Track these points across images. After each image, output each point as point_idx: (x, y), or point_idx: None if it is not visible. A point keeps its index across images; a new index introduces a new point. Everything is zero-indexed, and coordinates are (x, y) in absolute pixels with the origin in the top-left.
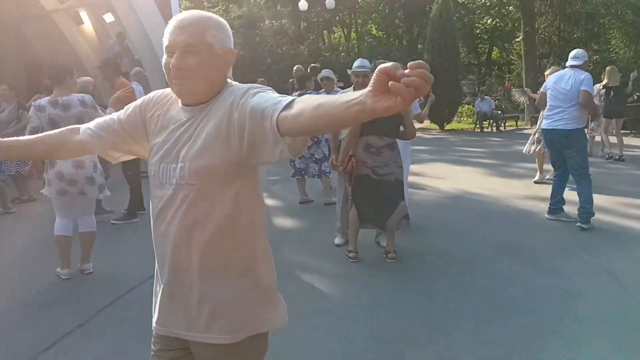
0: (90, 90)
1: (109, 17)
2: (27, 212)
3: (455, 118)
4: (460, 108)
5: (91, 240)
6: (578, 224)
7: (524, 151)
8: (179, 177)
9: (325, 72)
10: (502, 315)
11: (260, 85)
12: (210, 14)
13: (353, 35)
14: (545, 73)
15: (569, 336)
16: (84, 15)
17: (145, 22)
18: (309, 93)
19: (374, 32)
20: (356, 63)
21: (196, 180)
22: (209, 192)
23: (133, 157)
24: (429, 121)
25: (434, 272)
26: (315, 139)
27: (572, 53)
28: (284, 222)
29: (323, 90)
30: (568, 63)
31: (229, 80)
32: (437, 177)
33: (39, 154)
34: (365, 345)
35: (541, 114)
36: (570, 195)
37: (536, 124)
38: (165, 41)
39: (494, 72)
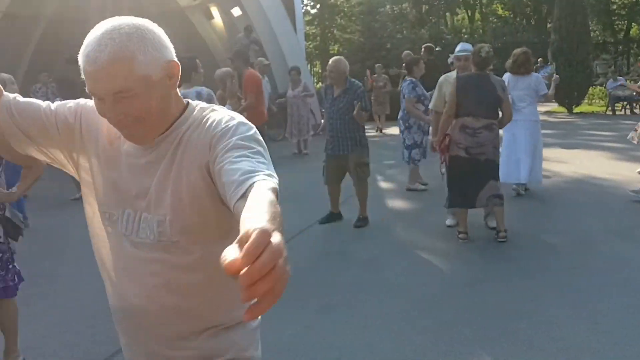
0: (225, 82)
1: (236, 11)
2: None
3: (585, 100)
4: (591, 89)
5: None
6: None
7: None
8: (158, 233)
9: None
10: (609, 294)
11: (242, 132)
12: (125, 26)
13: (477, 16)
14: None
15: None
16: (214, 10)
17: (270, 15)
18: (409, 81)
19: (500, 12)
20: (458, 47)
21: (180, 238)
22: (189, 251)
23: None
24: (556, 104)
25: (545, 252)
26: (407, 124)
27: None
28: (397, 203)
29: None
30: None
31: (187, 100)
32: (559, 161)
33: None
34: (469, 316)
35: None
36: None
37: None
38: (86, 82)
39: (632, 51)
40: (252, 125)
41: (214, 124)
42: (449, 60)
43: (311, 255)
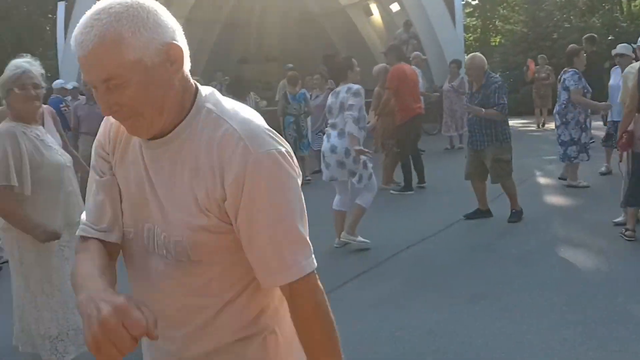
0: (381, 78)
1: (395, 7)
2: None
3: None
4: None
5: (356, 214)
6: None
7: None
8: (177, 253)
9: (621, 49)
10: None
11: (259, 173)
12: (115, 5)
13: None
14: None
15: None
16: (373, 7)
17: (429, 9)
18: (573, 71)
19: None
20: None
21: (198, 256)
22: (212, 263)
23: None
24: None
25: None
26: (564, 120)
27: None
28: (556, 199)
29: (617, 67)
30: None
31: (196, 84)
32: None
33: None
34: (625, 314)
35: None
36: None
37: None
38: (81, 70)
39: None
40: (265, 134)
41: (227, 150)
42: (613, 52)
43: (461, 247)
